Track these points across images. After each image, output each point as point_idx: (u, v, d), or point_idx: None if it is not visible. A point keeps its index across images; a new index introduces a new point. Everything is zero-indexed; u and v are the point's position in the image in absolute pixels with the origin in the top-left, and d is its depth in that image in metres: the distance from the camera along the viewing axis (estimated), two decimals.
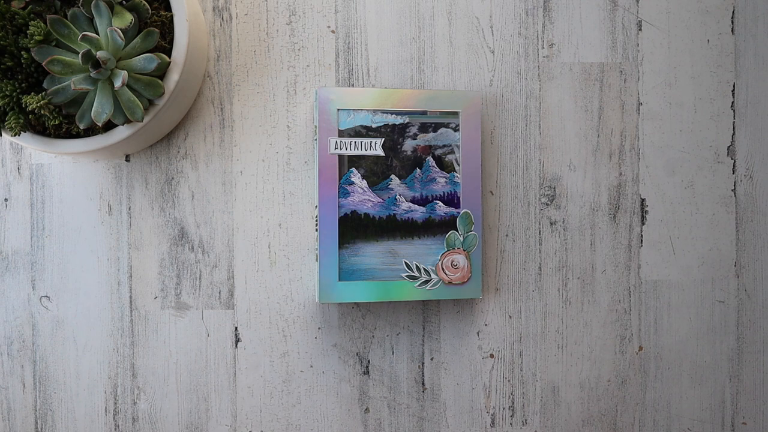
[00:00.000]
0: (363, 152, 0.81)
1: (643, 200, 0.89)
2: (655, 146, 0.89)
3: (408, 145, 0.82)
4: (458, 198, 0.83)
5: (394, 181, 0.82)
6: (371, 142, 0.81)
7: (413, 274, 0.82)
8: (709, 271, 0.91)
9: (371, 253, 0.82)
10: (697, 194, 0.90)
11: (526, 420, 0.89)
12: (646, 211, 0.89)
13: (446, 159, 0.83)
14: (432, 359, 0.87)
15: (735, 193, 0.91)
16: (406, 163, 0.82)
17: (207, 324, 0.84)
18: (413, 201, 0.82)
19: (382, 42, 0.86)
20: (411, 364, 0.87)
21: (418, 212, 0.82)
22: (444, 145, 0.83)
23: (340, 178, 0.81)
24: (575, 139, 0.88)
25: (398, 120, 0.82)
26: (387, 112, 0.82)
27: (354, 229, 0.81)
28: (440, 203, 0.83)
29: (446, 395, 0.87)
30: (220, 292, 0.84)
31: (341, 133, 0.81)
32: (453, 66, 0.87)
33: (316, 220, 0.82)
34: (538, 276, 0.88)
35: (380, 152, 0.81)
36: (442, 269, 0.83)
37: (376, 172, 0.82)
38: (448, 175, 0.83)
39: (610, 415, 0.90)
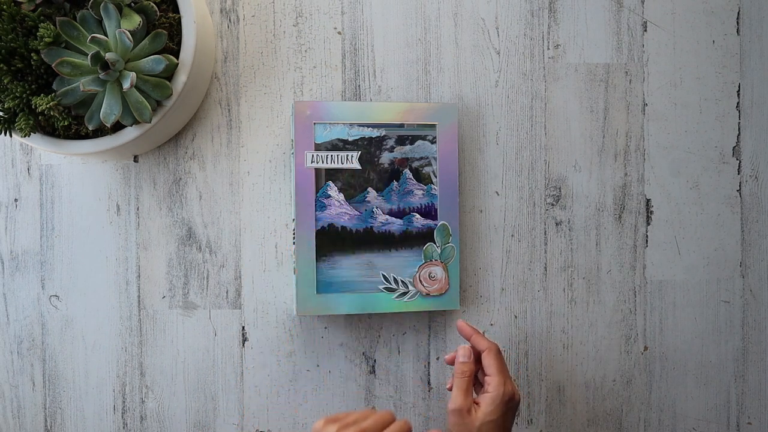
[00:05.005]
0: (339, 165, 0.81)
1: (648, 200, 0.90)
2: (661, 147, 0.90)
3: (385, 158, 0.82)
4: (435, 210, 0.83)
5: (371, 193, 0.82)
6: (348, 155, 0.81)
7: (391, 286, 0.82)
8: (714, 271, 0.91)
9: (349, 266, 0.82)
10: (702, 194, 0.90)
11: (531, 419, 0.89)
12: (652, 212, 0.90)
13: (423, 171, 0.83)
14: (438, 359, 0.88)
15: (740, 194, 0.91)
16: (383, 176, 0.82)
17: (214, 323, 0.85)
18: (390, 213, 0.83)
19: (388, 43, 0.86)
20: (417, 363, 0.87)
21: (396, 224, 0.83)
22: (421, 158, 0.83)
23: (317, 192, 0.81)
24: (581, 140, 0.89)
25: (375, 133, 0.82)
26: (363, 125, 0.82)
27: (331, 242, 0.81)
28: (417, 215, 0.83)
29: None
30: (227, 292, 0.85)
31: (318, 147, 0.81)
32: (459, 67, 0.87)
33: (294, 234, 0.82)
34: (543, 276, 0.89)
35: (357, 165, 0.82)
36: (420, 281, 0.83)
37: (353, 185, 0.82)
38: (425, 187, 0.83)
39: (616, 415, 0.90)
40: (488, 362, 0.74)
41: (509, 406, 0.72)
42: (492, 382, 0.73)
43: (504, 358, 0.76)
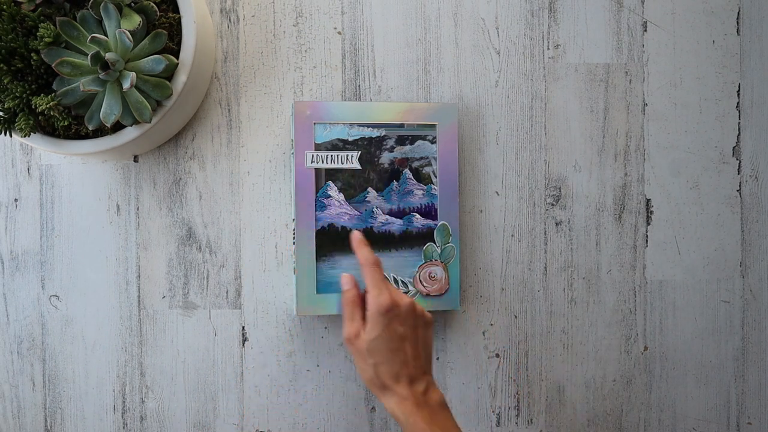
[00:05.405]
0: (339, 165, 0.81)
1: (648, 200, 0.90)
2: (661, 147, 0.90)
3: (385, 158, 0.82)
4: (435, 210, 0.83)
5: (371, 193, 0.82)
6: (348, 155, 0.81)
7: None
8: (714, 271, 0.91)
9: (349, 266, 0.81)
10: (702, 194, 0.90)
11: (531, 420, 0.89)
12: (652, 212, 0.90)
13: (423, 171, 0.83)
14: (438, 359, 0.87)
15: (740, 194, 0.91)
16: (383, 176, 0.82)
17: (214, 323, 0.85)
18: (390, 213, 0.83)
19: (388, 43, 0.86)
20: None
21: (396, 224, 0.83)
22: (421, 158, 0.83)
23: (317, 192, 0.81)
24: (581, 140, 0.89)
25: (375, 133, 0.82)
26: (363, 125, 0.82)
27: (331, 241, 0.81)
28: (417, 215, 0.83)
29: (452, 395, 0.88)
30: (227, 292, 0.85)
31: (318, 147, 0.81)
32: (459, 67, 0.87)
33: (294, 233, 0.82)
34: (543, 276, 0.89)
35: (357, 165, 0.82)
36: (420, 281, 0.83)
37: (353, 185, 0.82)
38: (425, 187, 0.83)
39: (616, 415, 0.90)
40: (365, 279, 0.73)
41: (391, 316, 0.70)
42: (368, 299, 0.71)
43: (381, 267, 0.74)
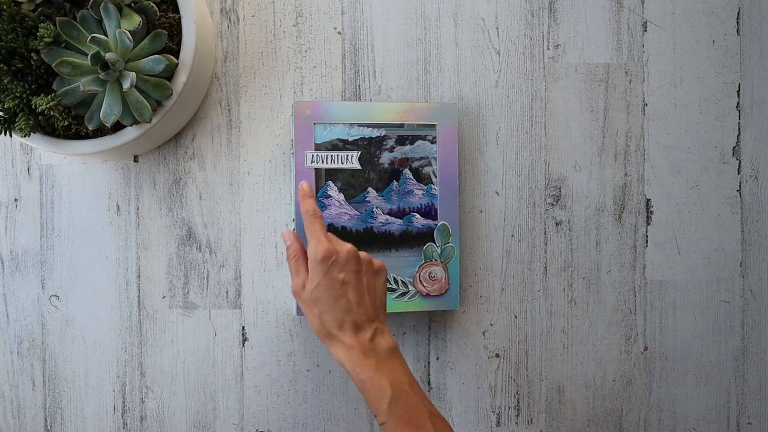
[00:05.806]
0: (339, 165, 0.81)
1: (648, 200, 0.90)
2: (661, 147, 0.90)
3: (385, 158, 0.82)
4: (435, 210, 0.83)
5: (371, 193, 0.82)
6: (348, 155, 0.81)
7: (391, 286, 0.82)
8: (714, 271, 0.91)
9: None
10: (702, 194, 0.90)
11: (531, 419, 0.89)
12: (652, 212, 0.90)
13: (423, 171, 0.83)
14: (438, 359, 0.87)
15: (740, 194, 0.91)
16: (383, 176, 0.82)
17: (214, 323, 0.85)
18: (390, 213, 0.82)
19: (388, 43, 0.86)
20: (417, 363, 0.87)
21: (396, 224, 0.82)
22: (421, 158, 0.83)
23: (317, 192, 0.81)
24: (581, 140, 0.89)
25: (375, 133, 0.82)
26: (363, 125, 0.82)
27: None
28: (417, 215, 0.83)
29: (452, 395, 0.88)
30: (227, 292, 0.85)
31: (318, 147, 0.81)
32: (459, 67, 0.87)
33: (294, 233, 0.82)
34: (543, 276, 0.89)
35: (357, 165, 0.81)
36: (420, 281, 0.83)
37: (353, 185, 0.82)
38: (425, 187, 0.83)
39: (616, 415, 0.90)
40: (306, 230, 0.72)
41: (329, 264, 0.69)
42: (308, 250, 0.71)
43: (321, 219, 0.73)
